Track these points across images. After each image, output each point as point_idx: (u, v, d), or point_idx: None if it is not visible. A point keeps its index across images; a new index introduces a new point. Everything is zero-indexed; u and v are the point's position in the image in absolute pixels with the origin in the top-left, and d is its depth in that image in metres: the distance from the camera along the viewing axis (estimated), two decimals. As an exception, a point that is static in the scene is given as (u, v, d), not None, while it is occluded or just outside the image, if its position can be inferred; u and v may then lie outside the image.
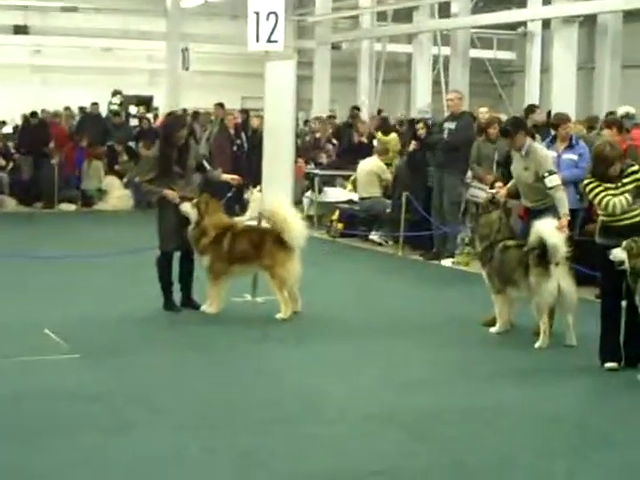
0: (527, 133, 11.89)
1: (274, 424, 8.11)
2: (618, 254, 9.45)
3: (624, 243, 9.45)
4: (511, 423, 8.28)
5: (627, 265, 9.43)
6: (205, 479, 7.01)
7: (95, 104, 26.72)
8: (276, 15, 16.89)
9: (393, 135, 21.24)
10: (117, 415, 8.23)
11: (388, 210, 18.29)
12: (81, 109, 27.84)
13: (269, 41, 16.81)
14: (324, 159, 22.13)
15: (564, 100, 20.49)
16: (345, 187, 20.16)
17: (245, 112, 24.80)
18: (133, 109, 31.18)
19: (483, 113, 17.69)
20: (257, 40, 16.60)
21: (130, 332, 11.20)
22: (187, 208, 11.79)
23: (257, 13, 17.03)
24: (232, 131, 22.68)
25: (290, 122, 17.76)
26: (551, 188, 11.30)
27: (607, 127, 14.19)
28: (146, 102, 33.52)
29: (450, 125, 16.71)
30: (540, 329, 10.76)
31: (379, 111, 27.48)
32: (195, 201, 11.82)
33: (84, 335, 10.83)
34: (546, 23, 23.96)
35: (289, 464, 7.24)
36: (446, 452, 7.55)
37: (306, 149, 22.77)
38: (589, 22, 22.70)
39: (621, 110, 15.19)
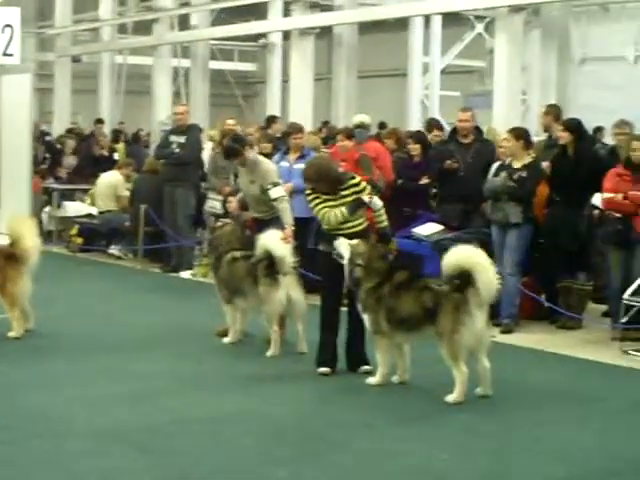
0: (251, 147, 12.10)
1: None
2: (342, 249, 9.70)
3: (353, 241, 9.71)
4: (239, 432, 8.27)
5: (347, 264, 9.69)
6: None
7: None
8: (12, 28, 16.61)
9: (120, 146, 21.30)
10: None
11: (127, 223, 18.18)
12: None
13: (5, 54, 16.52)
14: (63, 173, 21.79)
15: (301, 110, 20.83)
16: (84, 201, 19.91)
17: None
18: None
19: (230, 125, 17.84)
20: (-10, 52, 16.30)
21: None
22: None
23: (-9, 26, 16.74)
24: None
25: (27, 136, 17.52)
26: (275, 199, 11.49)
27: (347, 137, 14.47)
28: None
29: (179, 139, 16.74)
30: (272, 338, 10.93)
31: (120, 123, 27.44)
32: None
33: None
34: (287, 34, 24.25)
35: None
36: (172, 466, 7.48)
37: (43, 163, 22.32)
38: (326, 34, 23.10)
39: (356, 119, 15.50)
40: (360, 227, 10.03)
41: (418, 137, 14.93)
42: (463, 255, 9.14)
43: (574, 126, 12.69)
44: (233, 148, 11.87)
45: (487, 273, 9.01)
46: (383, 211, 10.23)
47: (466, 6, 21.02)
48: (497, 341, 11.28)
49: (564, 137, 12.56)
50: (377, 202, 10.18)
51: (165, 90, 26.22)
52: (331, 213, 9.92)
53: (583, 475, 7.44)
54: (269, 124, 18.54)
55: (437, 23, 26.05)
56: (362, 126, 15.02)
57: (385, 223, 10.20)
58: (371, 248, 9.80)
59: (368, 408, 9.16)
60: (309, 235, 12.91)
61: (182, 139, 16.70)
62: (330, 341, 10.18)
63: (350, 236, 9.88)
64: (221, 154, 15.71)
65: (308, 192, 10.23)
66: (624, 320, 11.58)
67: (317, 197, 10.04)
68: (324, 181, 10.07)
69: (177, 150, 16.66)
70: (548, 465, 7.59)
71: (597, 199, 12.29)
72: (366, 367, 10.08)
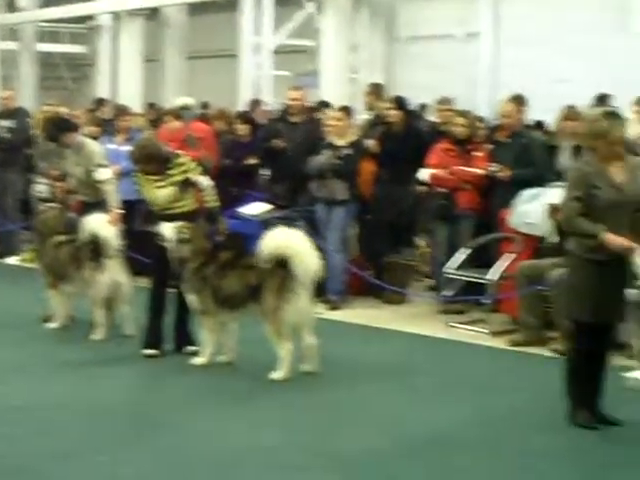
0: (74, 130, 11.96)
1: None
2: (167, 232, 9.67)
3: (177, 224, 9.68)
4: (65, 418, 8.18)
5: (172, 247, 9.66)
6: None
7: None
8: None
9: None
10: None
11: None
12: None
13: None
14: None
15: (131, 92, 20.70)
16: None
17: None
18: None
19: (48, 109, 17.54)
20: None
21: None
22: None
23: None
24: None
25: None
26: (101, 181, 11.42)
27: (175, 118, 14.42)
28: None
29: (6, 123, 16.44)
30: (97, 321, 10.82)
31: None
32: None
33: None
34: (116, 16, 24.00)
35: None
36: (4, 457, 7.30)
37: None
38: (156, 15, 22.97)
39: (179, 101, 15.47)
40: (189, 207, 10.00)
41: (245, 117, 14.94)
42: (280, 239, 9.22)
43: (400, 103, 12.87)
44: (53, 131, 11.79)
45: (304, 254, 9.08)
46: (212, 191, 10.24)
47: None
48: (325, 317, 11.45)
49: (392, 115, 12.72)
50: (205, 181, 10.18)
51: (-9, 75, 25.78)
52: (160, 193, 9.88)
53: (407, 446, 7.52)
54: (97, 106, 18.34)
55: (268, 3, 26.04)
56: (186, 107, 15.01)
57: (214, 203, 10.21)
58: (195, 229, 9.79)
59: (195, 389, 9.13)
60: (137, 217, 12.82)
61: (10, 123, 16.43)
62: (156, 323, 10.15)
63: (179, 216, 9.86)
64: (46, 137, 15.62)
65: (136, 174, 10.16)
66: (448, 293, 11.83)
67: (145, 178, 9.99)
68: (152, 162, 10.00)
69: (6, 134, 16.37)
70: (374, 438, 7.68)
71: (422, 174, 12.41)
72: (192, 348, 10.07)
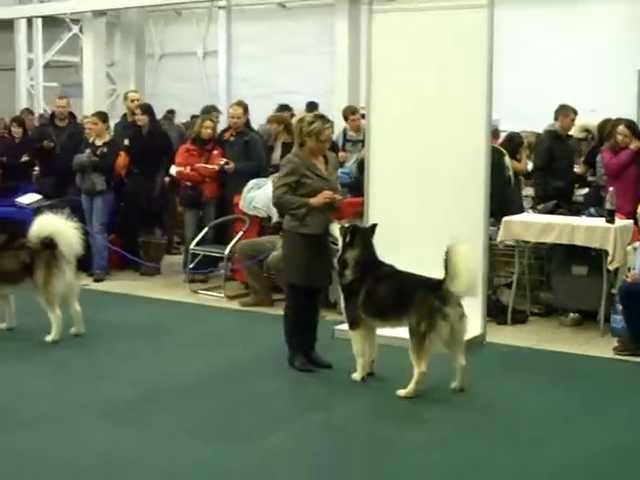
0: None
1: None
2: None
3: None
4: None
5: None
6: None
7: None
8: None
9: None
10: None
11: None
12: None
13: None
14: None
15: None
16: None
17: None
18: None
19: None
20: None
21: None
22: None
23: None
24: None
25: None
26: None
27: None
28: None
29: None
30: None
31: None
32: None
33: None
34: None
35: None
36: None
37: None
38: None
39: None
40: None
41: (19, 121, 14.51)
42: (46, 223, 9.04)
43: (147, 109, 12.74)
44: None
45: (66, 236, 8.94)
46: None
47: (59, 10, 20.80)
48: (90, 288, 11.32)
49: (141, 119, 12.58)
50: None
51: None
52: None
53: (155, 393, 7.50)
54: None
55: (39, 25, 25.42)
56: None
57: None
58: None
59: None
60: None
61: None
62: None
63: None
64: None
65: None
66: (191, 266, 11.85)
67: None
68: None
69: None
70: (129, 388, 7.63)
71: (173, 170, 12.38)
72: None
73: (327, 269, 7.94)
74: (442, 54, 8.87)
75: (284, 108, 14.54)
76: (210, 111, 13.69)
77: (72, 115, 14.01)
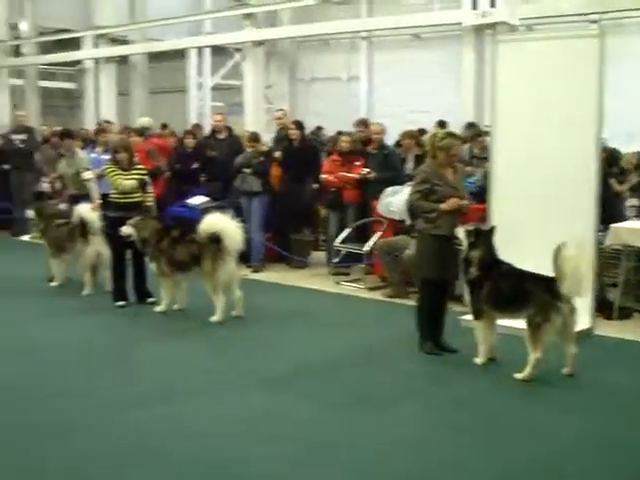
0: (72, 137, 12.00)
1: None
2: (126, 230, 9.61)
3: (131, 221, 9.60)
4: (59, 350, 8.09)
5: (134, 236, 9.62)
6: None
7: None
8: None
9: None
10: None
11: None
12: None
13: None
14: None
15: (109, 118, 20.40)
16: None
17: None
18: None
19: (45, 129, 17.34)
20: None
21: None
22: None
23: None
24: None
25: None
26: (86, 180, 11.36)
27: (138, 135, 14.30)
28: None
29: (20, 137, 16.19)
30: (86, 281, 10.78)
31: None
32: None
33: None
34: (97, 61, 23.66)
35: None
36: (10, 374, 7.28)
37: None
38: (125, 61, 22.70)
39: (139, 122, 15.42)
40: (138, 199, 9.91)
41: (192, 133, 14.84)
42: (214, 221, 9.24)
43: (299, 125, 12.93)
44: (62, 134, 11.90)
45: (231, 232, 9.12)
46: (152, 193, 10.22)
47: (225, 41, 21.17)
48: (250, 278, 11.51)
49: (294, 133, 12.76)
50: (150, 187, 10.19)
51: (4, 103, 25.16)
52: (124, 182, 9.81)
53: (307, 367, 7.60)
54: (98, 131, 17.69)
55: (207, 53, 25.94)
56: (145, 127, 14.98)
57: (151, 202, 10.14)
58: (148, 218, 9.78)
59: (155, 328, 9.15)
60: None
61: (23, 137, 16.20)
62: (121, 283, 10.08)
63: (131, 204, 9.79)
64: (50, 148, 15.42)
65: (108, 165, 10.06)
66: (335, 260, 11.94)
67: (114, 169, 9.90)
68: (127, 151, 9.95)
69: (21, 145, 16.12)
70: (277, 363, 7.75)
71: (320, 177, 12.47)
72: (151, 299, 10.06)
73: (454, 266, 7.90)
74: (557, 78, 8.76)
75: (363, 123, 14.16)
76: (360, 124, 13.60)
77: (229, 128, 14.21)
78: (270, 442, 5.77)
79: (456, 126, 12.47)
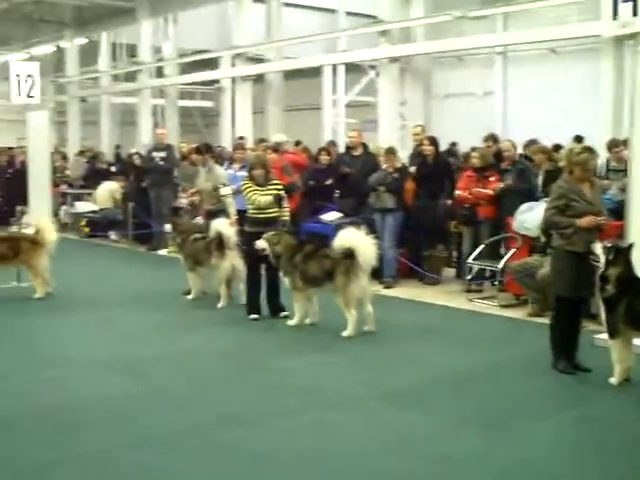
0: (212, 152, 12.33)
1: (19, 370, 8.00)
2: (261, 244, 9.80)
3: (265, 235, 9.78)
4: (196, 361, 8.37)
5: (268, 250, 9.80)
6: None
7: None
8: (32, 77, 16.54)
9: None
10: None
11: (120, 216, 18.14)
12: None
13: (28, 96, 16.44)
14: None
15: (245, 134, 20.87)
16: (90, 201, 19.83)
17: (15, 149, 23.87)
18: None
19: (184, 146, 17.84)
20: (19, 95, 16.22)
21: None
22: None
23: (18, 75, 16.63)
24: (4, 164, 21.92)
25: (47, 155, 17.36)
26: (223, 195, 11.62)
27: (273, 151, 14.58)
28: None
29: (160, 154, 16.66)
30: (221, 294, 11.03)
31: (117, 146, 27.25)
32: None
33: None
34: (233, 80, 24.19)
35: (22, 400, 7.10)
36: (148, 384, 7.57)
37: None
38: (261, 79, 23.13)
39: (275, 138, 15.67)
40: (274, 214, 10.09)
41: (327, 150, 15.01)
42: (347, 237, 9.32)
43: (433, 141, 12.89)
44: (198, 149, 12.19)
45: (364, 248, 9.18)
46: (287, 208, 10.35)
47: (360, 58, 21.30)
48: (381, 294, 11.54)
49: (428, 149, 12.75)
50: (285, 202, 10.32)
51: (147, 122, 26.05)
52: (260, 198, 10.00)
53: (431, 384, 7.60)
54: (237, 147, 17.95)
55: (342, 70, 26.19)
56: (280, 143, 15.18)
57: (287, 217, 10.27)
58: (282, 233, 9.93)
59: (287, 341, 9.28)
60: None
61: (163, 154, 16.65)
62: (255, 296, 10.26)
63: (267, 220, 9.97)
64: (188, 165, 15.81)
65: (245, 181, 10.27)
66: (468, 277, 11.84)
67: (250, 186, 10.10)
68: (263, 167, 10.13)
69: (161, 162, 16.59)
70: (414, 376, 7.79)
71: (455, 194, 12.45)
72: (284, 313, 10.19)
73: (590, 283, 7.74)
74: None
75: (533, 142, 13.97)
76: (489, 139, 13.45)
77: (364, 145, 14.23)
78: (397, 457, 5.78)
79: (593, 141, 12.19)
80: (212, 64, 25.16)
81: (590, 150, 7.92)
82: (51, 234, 11.73)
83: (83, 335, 9.60)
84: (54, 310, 10.91)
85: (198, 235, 11.49)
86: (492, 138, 12.96)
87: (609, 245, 7.57)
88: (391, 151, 12.64)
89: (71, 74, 29.55)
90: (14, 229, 15.69)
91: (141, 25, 25.36)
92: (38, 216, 12.42)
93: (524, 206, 11.17)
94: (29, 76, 16.53)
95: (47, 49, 29.79)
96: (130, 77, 27.73)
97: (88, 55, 29.42)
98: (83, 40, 29.20)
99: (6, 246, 11.58)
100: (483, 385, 7.55)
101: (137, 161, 17.55)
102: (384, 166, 12.61)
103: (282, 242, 9.77)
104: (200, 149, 12.45)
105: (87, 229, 19.22)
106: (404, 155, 13.78)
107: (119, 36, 28.19)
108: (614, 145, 12.07)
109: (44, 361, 8.37)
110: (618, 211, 9.70)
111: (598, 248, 7.55)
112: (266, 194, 10.02)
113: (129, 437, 6.15)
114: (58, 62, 31.31)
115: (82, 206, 19.81)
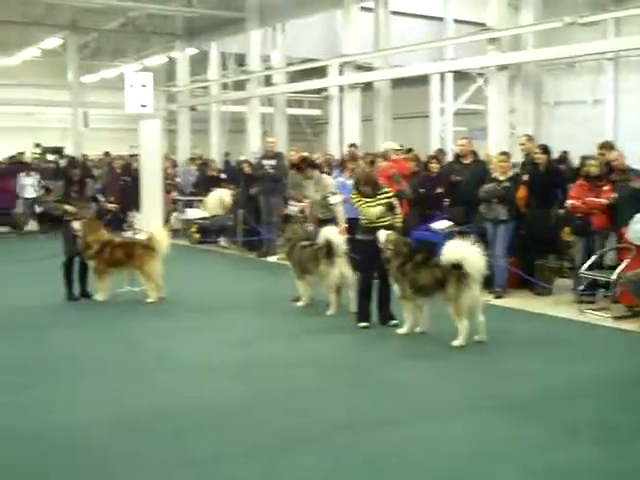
0: (314, 167, 12.29)
1: (132, 373, 8.20)
2: (382, 235, 9.80)
3: (389, 232, 9.79)
4: (306, 367, 8.38)
5: (384, 245, 9.76)
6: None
7: (21, 153, 25.71)
8: (146, 87, 16.95)
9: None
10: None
11: (230, 223, 18.39)
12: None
13: (142, 106, 16.84)
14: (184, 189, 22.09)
15: (351, 141, 20.93)
16: (200, 208, 20.17)
17: (129, 157, 24.52)
18: (50, 156, 30.54)
19: (293, 154, 17.96)
20: (133, 105, 16.64)
21: (44, 315, 11.14)
22: (76, 225, 11.82)
23: (132, 86, 17.04)
24: (119, 171, 22.49)
25: (158, 163, 17.77)
26: (332, 204, 11.66)
27: (383, 159, 14.58)
28: (59, 151, 32.85)
29: (270, 162, 16.82)
30: (330, 301, 11.07)
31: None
32: (82, 221, 11.85)
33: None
34: (341, 88, 24.35)
35: (138, 401, 7.24)
36: (262, 389, 7.63)
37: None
38: (369, 87, 23.19)
39: (385, 145, 15.66)
40: (388, 222, 10.10)
41: (437, 157, 14.92)
42: (457, 247, 9.26)
43: (545, 149, 12.70)
44: (298, 166, 12.20)
45: (472, 259, 9.10)
46: (400, 214, 10.32)
47: (468, 66, 21.11)
48: (492, 303, 11.41)
49: (540, 157, 12.56)
50: (398, 208, 10.30)
51: (256, 130, 26.42)
52: (371, 210, 10.02)
53: (544, 393, 7.49)
54: (350, 158, 17.92)
55: (449, 78, 26.07)
56: (389, 150, 15.14)
57: (399, 223, 10.26)
58: (398, 238, 9.91)
59: (397, 350, 9.25)
60: (356, 230, 12.96)
61: (273, 162, 16.80)
62: (365, 304, 10.24)
63: (380, 228, 9.95)
64: (296, 173, 15.89)
65: (354, 194, 10.31)
66: (581, 288, 11.60)
67: (360, 198, 10.14)
68: (368, 184, 10.14)
69: (270, 170, 16.73)
70: (524, 387, 7.67)
71: (567, 203, 12.21)
72: (394, 321, 10.15)
73: None
74: None
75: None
76: (603, 147, 13.13)
77: (474, 153, 14.08)
78: (510, 467, 5.72)
79: None
80: (320, 72, 25.35)
81: None
82: (164, 240, 11.97)
83: (194, 339, 9.74)
84: (165, 314, 11.13)
85: (306, 242, 11.56)
86: (607, 146, 12.66)
87: None
88: (504, 152, 12.47)
89: (182, 84, 30.23)
90: (128, 235, 16.04)
91: (250, 35, 25.75)
92: (151, 222, 12.70)
93: (638, 216, 10.89)
94: (142, 86, 16.96)
95: (159, 60, 30.58)
96: (239, 86, 28.18)
97: (198, 65, 30.08)
98: (193, 50, 29.86)
99: (121, 251, 11.87)
100: (595, 397, 7.38)
101: (247, 169, 17.75)
102: (494, 174, 12.45)
103: (398, 246, 9.74)
104: (299, 166, 12.45)
105: (197, 235, 19.55)
106: (514, 163, 13.60)
107: (228, 46, 28.70)
108: None
109: (155, 364, 8.55)
110: None
111: None
112: (376, 204, 10.02)
113: (242, 442, 6.22)
114: (169, 72, 32.09)
115: (193, 213, 20.16)
